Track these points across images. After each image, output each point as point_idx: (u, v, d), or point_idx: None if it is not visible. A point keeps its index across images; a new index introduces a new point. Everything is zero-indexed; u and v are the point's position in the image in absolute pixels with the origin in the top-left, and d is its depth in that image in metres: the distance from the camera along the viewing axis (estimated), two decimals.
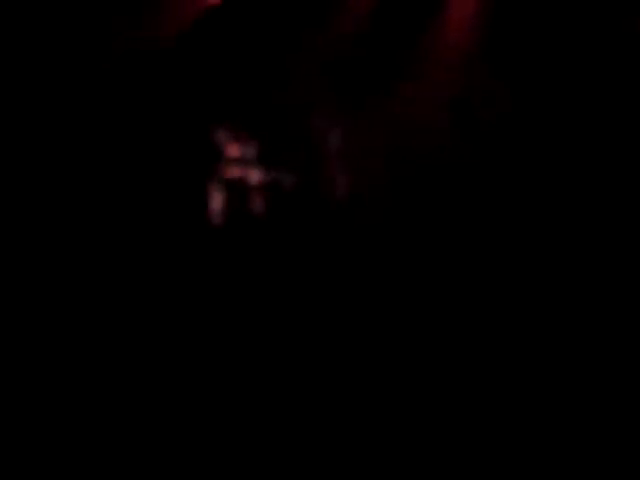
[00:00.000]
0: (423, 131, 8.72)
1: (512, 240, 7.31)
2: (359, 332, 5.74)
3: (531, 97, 8.63)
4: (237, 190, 7.83)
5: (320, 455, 4.33)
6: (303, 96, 8.70)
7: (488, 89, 8.72)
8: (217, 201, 7.82)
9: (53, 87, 8.41)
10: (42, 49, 8.41)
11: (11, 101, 8.25)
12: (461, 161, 8.45)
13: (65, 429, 4.81)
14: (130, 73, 8.59)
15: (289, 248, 7.61)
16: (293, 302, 6.57)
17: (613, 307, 5.97)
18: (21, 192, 8.01)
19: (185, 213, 8.05)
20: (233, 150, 7.94)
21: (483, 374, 5.21)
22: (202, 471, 4.30)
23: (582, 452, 4.10)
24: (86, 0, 8.49)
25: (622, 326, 5.70)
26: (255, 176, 7.81)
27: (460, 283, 6.60)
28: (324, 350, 5.38)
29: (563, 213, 7.70)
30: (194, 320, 6.15)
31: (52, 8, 8.43)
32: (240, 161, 7.91)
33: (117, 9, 8.55)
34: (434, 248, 7.41)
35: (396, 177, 8.49)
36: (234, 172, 7.82)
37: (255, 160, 7.90)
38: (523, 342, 5.64)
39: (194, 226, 7.91)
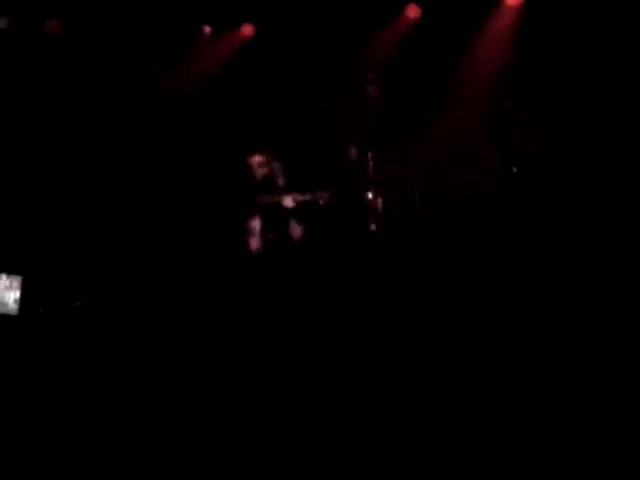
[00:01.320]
0: (458, 159, 8.81)
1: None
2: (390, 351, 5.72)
3: (563, 124, 8.69)
4: (275, 216, 7.90)
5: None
6: (340, 126, 8.86)
7: (521, 118, 8.77)
8: (256, 227, 7.89)
9: (104, 139, 8.76)
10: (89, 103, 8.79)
11: (64, 153, 8.61)
12: (492, 187, 8.50)
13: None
14: (170, 114, 8.87)
15: (326, 271, 7.63)
16: (332, 322, 6.56)
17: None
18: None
19: (225, 240, 8.14)
20: (271, 178, 8.05)
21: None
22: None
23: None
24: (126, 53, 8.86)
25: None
26: (292, 202, 7.87)
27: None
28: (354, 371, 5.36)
29: (596, 237, 7.67)
30: (232, 345, 6.16)
31: (95, 69, 8.82)
32: (278, 188, 8.00)
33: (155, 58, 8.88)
34: (460, 270, 7.39)
35: (430, 203, 8.56)
36: (272, 199, 7.91)
37: (293, 187, 7.99)
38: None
39: (234, 253, 7.98)
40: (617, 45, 8.41)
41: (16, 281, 6.76)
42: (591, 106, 8.54)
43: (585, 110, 8.56)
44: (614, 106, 8.45)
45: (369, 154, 8.46)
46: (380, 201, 8.42)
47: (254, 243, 7.89)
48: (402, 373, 5.26)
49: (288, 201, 7.85)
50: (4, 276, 6.74)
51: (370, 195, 8.44)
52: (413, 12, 8.97)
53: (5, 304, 6.68)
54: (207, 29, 9.18)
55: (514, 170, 8.60)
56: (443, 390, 4.97)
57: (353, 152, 8.62)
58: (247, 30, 9.20)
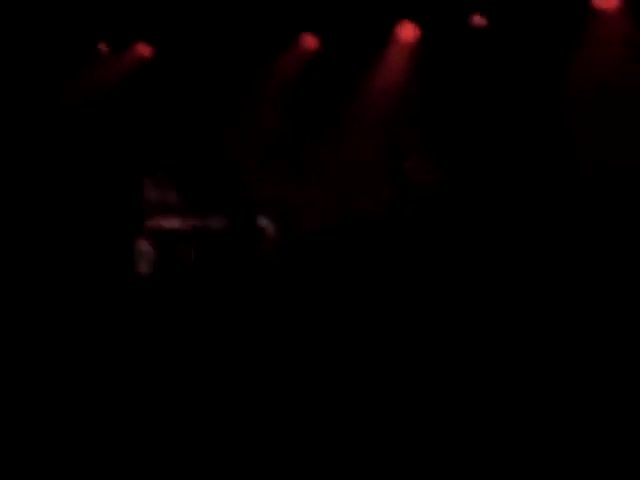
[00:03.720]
0: (354, 188, 8.94)
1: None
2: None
3: (457, 157, 8.92)
4: (165, 239, 7.84)
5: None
6: (235, 151, 8.86)
7: (415, 151, 8.98)
8: (145, 250, 7.80)
9: None
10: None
11: None
12: (390, 213, 8.67)
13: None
14: (65, 132, 8.71)
15: (215, 296, 7.59)
16: (220, 346, 6.53)
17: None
18: None
19: (114, 263, 8.00)
20: (164, 201, 7.98)
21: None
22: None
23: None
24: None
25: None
26: (184, 226, 7.83)
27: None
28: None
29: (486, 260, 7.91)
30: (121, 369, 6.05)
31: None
32: (170, 211, 7.94)
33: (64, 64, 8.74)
34: (351, 297, 7.49)
35: (325, 230, 8.65)
36: (163, 222, 7.84)
37: (184, 210, 7.94)
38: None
39: (123, 276, 7.85)
40: (510, 79, 8.69)
41: None
42: (484, 140, 8.80)
43: (478, 144, 8.81)
44: (507, 139, 8.73)
45: (264, 180, 8.49)
46: (272, 227, 8.46)
47: (143, 266, 7.80)
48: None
49: (179, 225, 7.81)
50: None
51: (263, 221, 8.47)
52: (310, 42, 9.07)
53: None
54: (103, 47, 9.05)
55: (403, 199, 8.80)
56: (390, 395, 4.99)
57: (248, 177, 8.63)
58: (144, 50, 9.11)
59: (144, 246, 7.81)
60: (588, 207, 8.14)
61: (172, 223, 7.81)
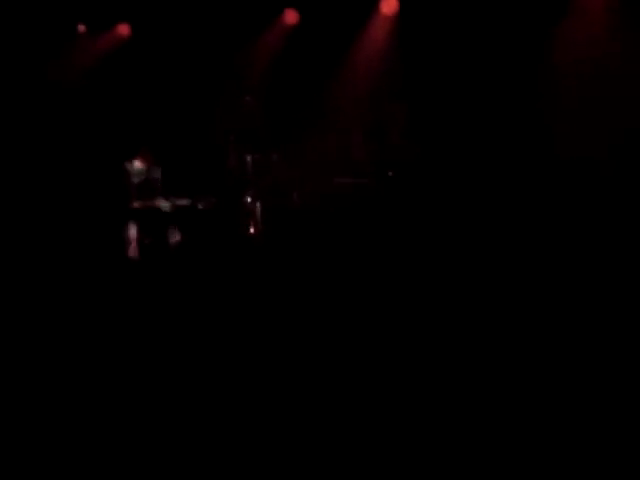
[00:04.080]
0: (337, 163, 8.94)
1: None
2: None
3: (439, 131, 8.93)
4: (152, 221, 7.80)
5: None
6: (219, 131, 8.83)
7: (397, 124, 8.98)
8: (132, 233, 7.76)
9: None
10: None
11: None
12: (370, 190, 8.70)
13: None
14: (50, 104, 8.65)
15: (203, 275, 7.58)
16: (211, 328, 6.52)
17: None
18: None
19: (100, 246, 7.95)
20: (149, 182, 7.94)
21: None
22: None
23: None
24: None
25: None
26: (170, 207, 7.80)
27: None
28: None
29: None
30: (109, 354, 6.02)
31: None
32: (156, 193, 7.90)
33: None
34: (339, 274, 7.51)
35: (309, 207, 8.65)
36: (149, 203, 7.80)
37: (171, 192, 7.91)
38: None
39: (110, 259, 7.80)
40: (490, 53, 8.70)
41: None
42: (467, 114, 8.81)
43: (461, 117, 8.82)
44: (490, 112, 8.75)
45: (248, 159, 8.47)
46: (259, 205, 8.45)
47: (131, 248, 7.76)
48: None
49: (166, 206, 7.78)
50: None
51: (249, 199, 8.45)
52: (291, 18, 9.03)
53: None
54: (82, 28, 8.96)
55: (389, 174, 8.81)
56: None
57: (232, 157, 8.60)
58: (123, 30, 9.04)
59: (130, 229, 7.77)
60: (566, 188, 8.19)
61: (158, 205, 7.77)
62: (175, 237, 7.89)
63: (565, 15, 8.28)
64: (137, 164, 7.91)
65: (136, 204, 7.76)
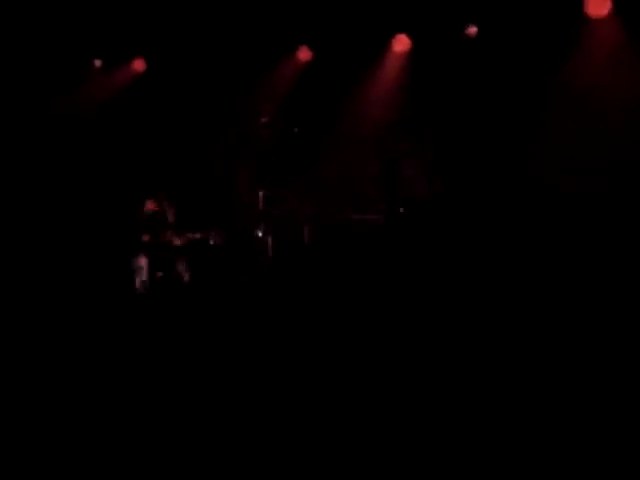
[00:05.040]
0: (347, 198, 8.97)
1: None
2: None
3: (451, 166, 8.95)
4: (163, 255, 7.81)
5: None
6: (232, 165, 8.88)
7: (408, 159, 9.00)
8: (142, 266, 7.76)
9: None
10: None
11: None
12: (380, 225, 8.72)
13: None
14: (64, 137, 8.72)
15: (212, 308, 7.57)
16: (218, 360, 6.51)
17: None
18: None
19: (111, 279, 7.97)
20: (161, 216, 7.95)
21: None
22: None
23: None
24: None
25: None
26: (181, 240, 7.81)
27: None
28: None
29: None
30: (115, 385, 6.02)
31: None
32: (167, 226, 7.91)
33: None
34: (349, 306, 7.51)
35: (319, 241, 8.67)
36: (160, 237, 7.81)
37: (183, 226, 7.92)
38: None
39: (120, 291, 7.82)
40: (501, 88, 8.74)
41: None
42: (478, 147, 8.84)
43: (472, 151, 8.85)
44: (499, 146, 8.78)
45: (260, 193, 8.49)
46: (270, 239, 8.46)
47: (140, 281, 7.76)
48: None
49: (177, 239, 7.79)
50: None
51: (260, 233, 8.47)
52: (304, 55, 9.11)
53: None
54: (97, 62, 9.05)
55: (400, 210, 8.82)
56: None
57: (244, 192, 8.63)
58: (138, 65, 9.12)
59: (141, 261, 7.77)
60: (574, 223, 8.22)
61: (169, 238, 7.78)
62: (185, 271, 7.89)
63: (571, 50, 8.34)
64: (149, 204, 7.93)
65: (146, 237, 7.77)
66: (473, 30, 8.59)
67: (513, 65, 8.62)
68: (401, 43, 8.98)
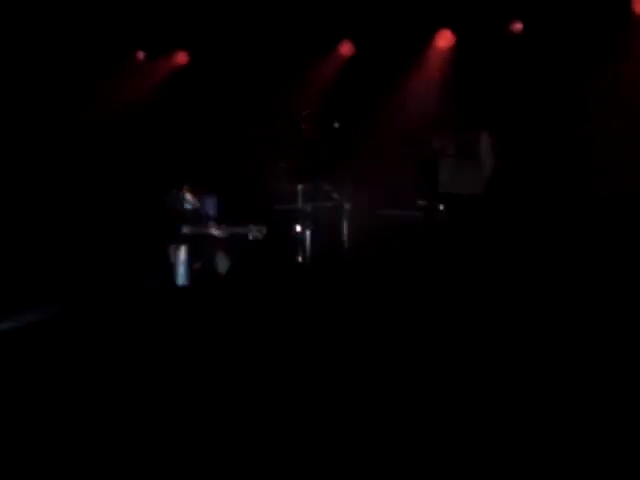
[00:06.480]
0: (387, 195, 8.93)
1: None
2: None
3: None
4: (202, 246, 7.84)
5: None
6: (272, 160, 8.89)
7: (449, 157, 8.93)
8: (181, 257, 7.80)
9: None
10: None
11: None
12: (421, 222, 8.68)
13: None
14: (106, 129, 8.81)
15: (251, 302, 7.60)
16: (257, 354, 6.54)
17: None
18: None
19: (151, 271, 8.03)
20: (201, 209, 7.99)
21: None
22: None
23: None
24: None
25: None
26: (220, 233, 7.83)
27: None
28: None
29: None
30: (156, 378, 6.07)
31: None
32: (208, 219, 7.94)
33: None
34: (386, 303, 7.51)
35: (357, 237, 8.66)
36: (200, 229, 7.84)
37: (223, 219, 7.94)
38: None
39: (160, 284, 7.87)
40: (546, 86, 8.66)
41: None
42: (521, 146, 8.77)
43: (513, 151, 8.77)
44: (545, 147, 8.70)
45: (299, 188, 8.49)
46: (308, 234, 8.47)
47: (180, 274, 7.80)
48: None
49: (216, 232, 7.81)
50: None
51: (298, 228, 8.47)
52: (347, 50, 9.08)
53: None
54: (141, 54, 9.11)
55: (440, 207, 8.76)
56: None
57: (283, 186, 8.63)
58: (181, 58, 9.17)
59: (181, 254, 7.81)
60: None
61: (208, 230, 7.81)
62: (225, 264, 7.92)
63: (618, 49, 8.23)
64: (190, 190, 7.97)
65: (186, 229, 7.81)
66: (518, 26, 8.51)
67: (558, 63, 8.53)
68: (445, 38, 8.92)
